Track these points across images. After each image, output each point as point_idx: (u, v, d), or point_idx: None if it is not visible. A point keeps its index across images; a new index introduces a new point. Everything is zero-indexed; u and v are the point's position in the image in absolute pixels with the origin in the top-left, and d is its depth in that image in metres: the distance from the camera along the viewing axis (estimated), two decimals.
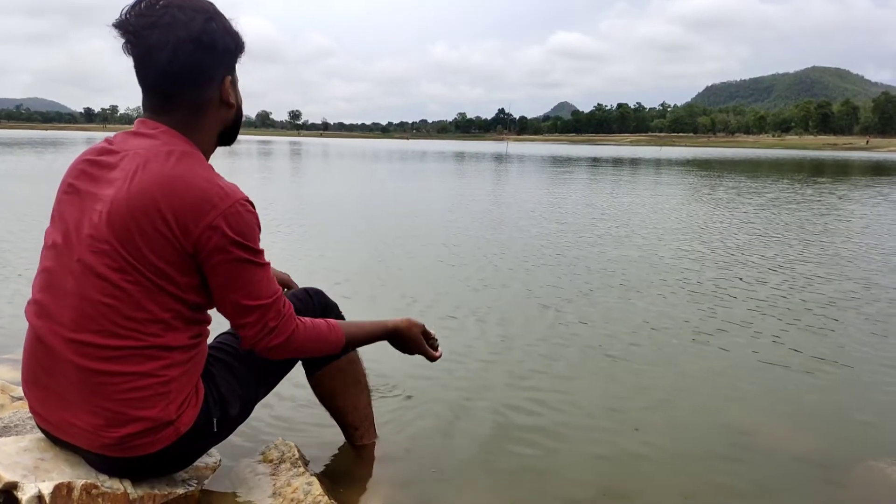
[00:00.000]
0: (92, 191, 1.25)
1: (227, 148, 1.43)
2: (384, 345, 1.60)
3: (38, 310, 1.29)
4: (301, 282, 1.81)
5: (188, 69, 1.25)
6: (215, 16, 1.28)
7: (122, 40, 1.24)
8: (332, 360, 1.70)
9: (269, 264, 1.33)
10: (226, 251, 1.23)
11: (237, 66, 1.36)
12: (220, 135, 1.38)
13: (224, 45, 1.29)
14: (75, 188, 1.29)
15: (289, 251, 5.13)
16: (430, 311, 3.44)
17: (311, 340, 1.40)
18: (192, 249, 1.22)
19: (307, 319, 1.41)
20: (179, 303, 1.26)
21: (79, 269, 1.23)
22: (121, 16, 1.23)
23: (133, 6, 1.23)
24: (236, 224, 1.23)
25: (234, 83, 1.35)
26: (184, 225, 1.21)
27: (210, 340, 1.45)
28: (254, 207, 1.29)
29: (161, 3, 1.23)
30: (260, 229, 1.30)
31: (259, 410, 1.76)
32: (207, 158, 1.35)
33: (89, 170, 1.28)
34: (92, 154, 1.30)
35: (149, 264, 1.21)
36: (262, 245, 1.31)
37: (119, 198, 1.20)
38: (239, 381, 1.46)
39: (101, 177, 1.26)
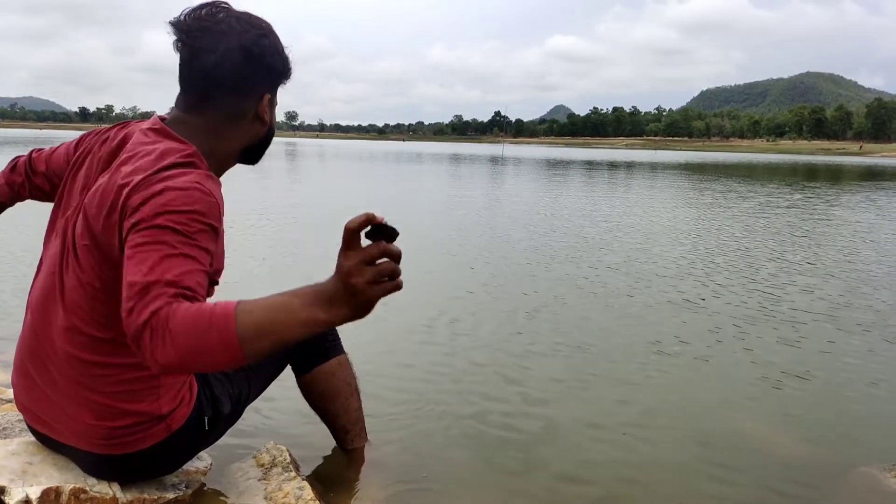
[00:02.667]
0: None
1: None
2: (375, 343, 1.45)
3: (39, 297, 1.29)
4: (281, 286, 1.79)
5: (232, 77, 1.24)
6: (269, 34, 1.28)
7: (174, 38, 1.24)
8: (321, 362, 1.70)
9: (197, 259, 1.04)
10: (147, 220, 1.06)
11: (280, 89, 1.35)
12: (244, 150, 1.34)
13: (271, 63, 1.28)
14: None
15: (272, 254, 5.12)
16: (414, 318, 3.44)
17: (187, 334, 0.91)
18: (123, 227, 1.10)
19: (189, 305, 0.95)
20: None
21: (72, 258, 1.22)
22: (180, 15, 1.24)
23: (194, 9, 1.24)
24: (175, 195, 1.08)
25: (272, 103, 1.34)
26: (124, 203, 1.11)
27: None
28: (213, 195, 1.13)
29: (221, 13, 1.23)
30: (216, 218, 1.12)
31: (250, 414, 1.76)
32: (223, 168, 1.32)
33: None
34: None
35: (110, 258, 1.16)
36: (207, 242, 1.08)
37: (88, 198, 1.20)
38: (231, 380, 1.46)
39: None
